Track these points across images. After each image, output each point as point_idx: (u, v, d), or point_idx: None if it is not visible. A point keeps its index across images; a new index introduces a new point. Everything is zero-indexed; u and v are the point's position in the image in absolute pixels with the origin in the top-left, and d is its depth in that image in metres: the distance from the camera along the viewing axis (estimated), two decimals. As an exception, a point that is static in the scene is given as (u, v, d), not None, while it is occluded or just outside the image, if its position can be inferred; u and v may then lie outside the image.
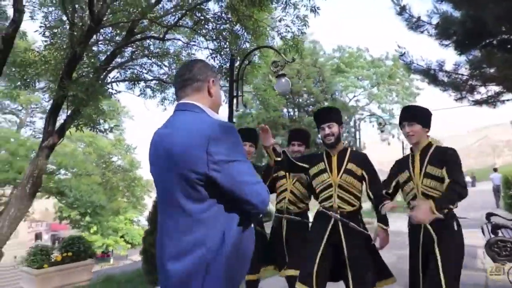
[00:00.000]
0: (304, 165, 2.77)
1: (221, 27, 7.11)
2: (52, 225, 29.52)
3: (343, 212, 2.59)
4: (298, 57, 8.03)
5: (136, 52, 7.92)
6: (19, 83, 6.20)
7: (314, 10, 6.36)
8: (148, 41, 7.59)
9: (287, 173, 3.12)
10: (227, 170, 1.29)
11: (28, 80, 6.06)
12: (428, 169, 2.39)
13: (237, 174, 1.31)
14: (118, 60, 7.77)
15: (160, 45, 8.01)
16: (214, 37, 7.25)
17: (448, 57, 6.25)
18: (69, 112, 5.94)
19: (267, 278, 4.24)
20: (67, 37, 5.88)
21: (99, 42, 7.52)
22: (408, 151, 2.67)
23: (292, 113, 17.77)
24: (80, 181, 15.52)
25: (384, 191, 2.63)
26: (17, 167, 12.59)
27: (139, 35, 7.05)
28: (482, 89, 6.34)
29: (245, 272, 1.46)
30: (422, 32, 6.06)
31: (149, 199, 21.98)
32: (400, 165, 2.61)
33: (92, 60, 6.39)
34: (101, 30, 7.10)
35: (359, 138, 17.80)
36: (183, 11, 6.61)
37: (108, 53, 7.12)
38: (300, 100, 17.41)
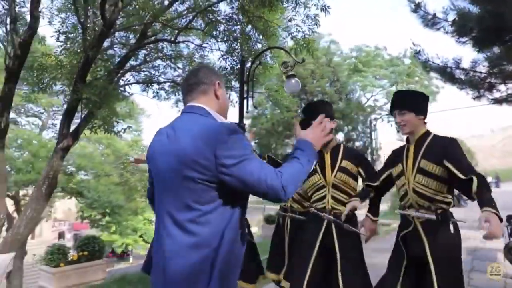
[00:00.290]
0: None
1: (232, 28, 7.12)
2: (74, 224, 30.30)
3: (337, 213, 2.48)
4: (311, 57, 7.96)
5: (149, 55, 8.04)
6: (36, 87, 6.38)
7: (324, 9, 6.29)
8: (161, 43, 7.69)
9: None
10: (237, 172, 1.29)
11: (45, 83, 6.24)
12: (422, 163, 2.11)
13: (249, 175, 1.29)
14: (132, 63, 7.91)
15: (173, 48, 8.09)
16: (225, 39, 7.27)
17: (465, 54, 6.08)
18: (84, 114, 6.07)
19: (264, 286, 4.13)
20: (80, 41, 6.03)
21: (115, 46, 7.69)
22: None
23: (306, 114, 17.67)
24: (98, 182, 15.88)
25: (365, 183, 2.43)
26: (38, 168, 12.97)
27: (152, 38, 7.15)
28: (501, 87, 6.13)
29: (238, 272, 1.45)
30: (438, 29, 5.90)
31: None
32: (395, 157, 2.33)
33: (106, 64, 6.52)
34: (116, 34, 7.26)
35: (375, 139, 17.50)
36: (194, 13, 6.66)
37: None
38: (314, 100, 17.30)
